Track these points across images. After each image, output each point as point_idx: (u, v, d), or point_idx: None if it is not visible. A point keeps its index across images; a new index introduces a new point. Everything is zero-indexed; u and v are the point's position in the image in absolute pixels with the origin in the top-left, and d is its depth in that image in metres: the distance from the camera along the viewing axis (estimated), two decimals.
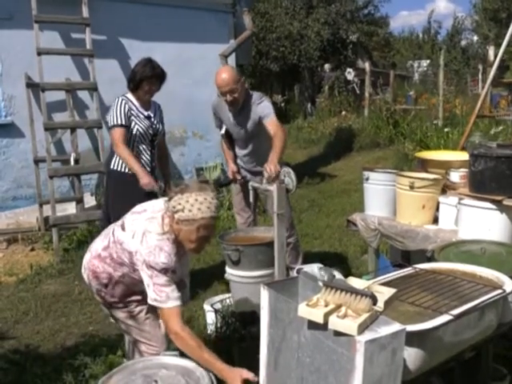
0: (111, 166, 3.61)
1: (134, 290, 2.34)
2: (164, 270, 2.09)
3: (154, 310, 2.41)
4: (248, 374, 1.92)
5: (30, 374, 2.96)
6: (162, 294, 2.08)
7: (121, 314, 2.41)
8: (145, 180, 3.41)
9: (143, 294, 2.25)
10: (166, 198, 2.25)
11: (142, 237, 2.14)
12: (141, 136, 3.58)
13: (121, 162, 3.56)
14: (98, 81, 5.69)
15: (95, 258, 2.34)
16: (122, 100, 3.55)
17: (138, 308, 2.40)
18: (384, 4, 25.11)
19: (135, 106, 3.58)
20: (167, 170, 3.90)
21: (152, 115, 3.68)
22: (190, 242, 2.17)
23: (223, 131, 3.71)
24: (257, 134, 3.55)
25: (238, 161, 3.76)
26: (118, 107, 3.52)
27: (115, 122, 3.49)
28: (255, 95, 3.53)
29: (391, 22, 30.80)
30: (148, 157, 3.64)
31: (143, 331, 2.40)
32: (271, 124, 3.42)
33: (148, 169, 3.62)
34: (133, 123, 3.53)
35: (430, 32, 26.30)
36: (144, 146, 3.62)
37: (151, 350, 2.39)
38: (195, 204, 2.09)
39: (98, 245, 2.38)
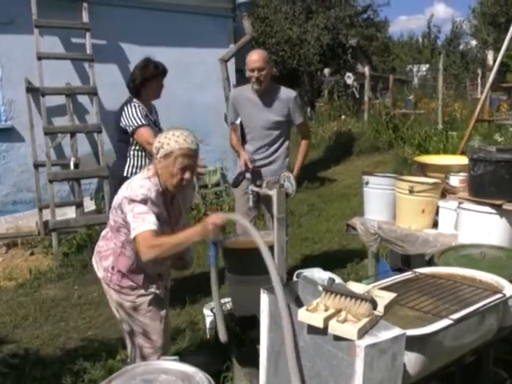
0: (124, 174, 3.48)
1: (137, 263, 2.35)
2: (143, 201, 2.20)
3: (156, 304, 2.45)
4: (216, 216, 2.14)
5: (29, 379, 2.95)
6: (139, 220, 2.16)
7: (126, 304, 2.43)
8: None
9: (148, 275, 2.38)
10: None
11: (128, 185, 2.30)
12: None
13: (135, 169, 3.49)
14: (98, 85, 5.71)
15: (100, 240, 2.49)
16: (138, 105, 3.49)
17: (141, 299, 2.42)
18: (383, 8, 25.16)
19: (146, 112, 3.53)
20: None
21: (156, 119, 3.68)
22: (172, 177, 2.27)
23: (238, 121, 3.68)
24: (278, 126, 3.59)
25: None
26: (135, 110, 3.45)
27: (139, 123, 3.42)
28: (284, 88, 3.68)
29: (390, 26, 30.88)
30: None
31: (143, 323, 2.43)
32: (305, 129, 3.87)
33: None
34: None
35: (430, 36, 26.37)
36: None
37: (148, 344, 2.42)
38: (172, 138, 2.25)
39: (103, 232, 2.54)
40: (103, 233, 2.51)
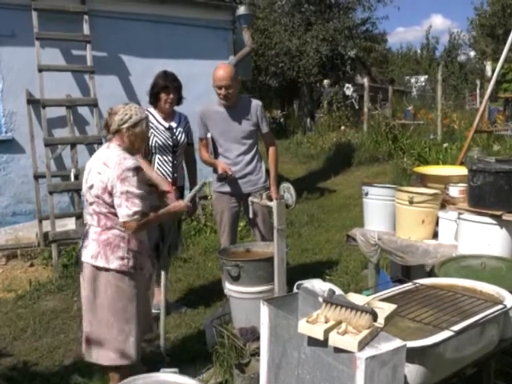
0: None
1: (141, 237, 2.60)
2: (136, 170, 2.44)
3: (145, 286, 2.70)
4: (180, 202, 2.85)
5: None
6: (128, 203, 2.40)
7: (127, 288, 2.53)
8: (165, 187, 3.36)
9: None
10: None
11: (106, 165, 2.45)
12: (160, 147, 3.66)
13: None
14: (99, 97, 5.73)
15: (101, 234, 2.51)
16: (149, 112, 3.59)
17: (141, 279, 2.62)
18: (381, 21, 25.27)
19: (155, 118, 3.67)
20: (192, 176, 3.97)
21: (174, 126, 3.76)
22: (142, 141, 2.65)
23: (209, 135, 3.73)
24: (250, 135, 3.65)
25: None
26: None
27: None
28: (246, 97, 3.79)
29: (388, 38, 31.12)
30: (169, 168, 3.72)
31: (129, 305, 2.53)
32: (271, 137, 3.81)
33: (169, 179, 3.66)
34: (151, 135, 3.60)
35: (429, 47, 26.55)
36: (165, 157, 3.70)
37: (127, 326, 2.52)
38: (136, 109, 2.58)
39: (94, 231, 2.55)
40: (97, 229, 2.51)
